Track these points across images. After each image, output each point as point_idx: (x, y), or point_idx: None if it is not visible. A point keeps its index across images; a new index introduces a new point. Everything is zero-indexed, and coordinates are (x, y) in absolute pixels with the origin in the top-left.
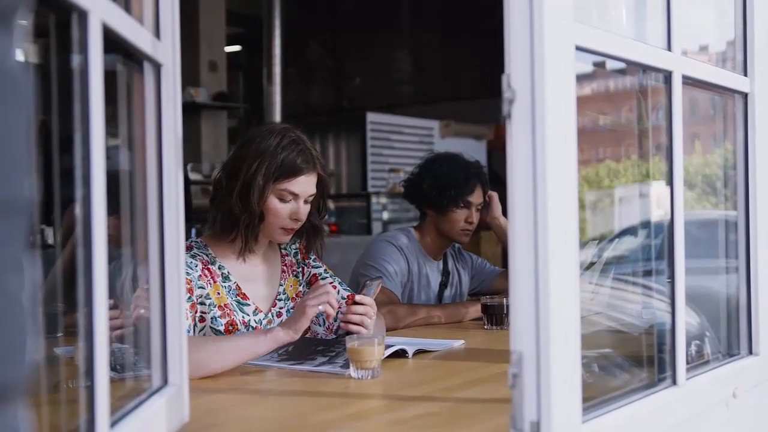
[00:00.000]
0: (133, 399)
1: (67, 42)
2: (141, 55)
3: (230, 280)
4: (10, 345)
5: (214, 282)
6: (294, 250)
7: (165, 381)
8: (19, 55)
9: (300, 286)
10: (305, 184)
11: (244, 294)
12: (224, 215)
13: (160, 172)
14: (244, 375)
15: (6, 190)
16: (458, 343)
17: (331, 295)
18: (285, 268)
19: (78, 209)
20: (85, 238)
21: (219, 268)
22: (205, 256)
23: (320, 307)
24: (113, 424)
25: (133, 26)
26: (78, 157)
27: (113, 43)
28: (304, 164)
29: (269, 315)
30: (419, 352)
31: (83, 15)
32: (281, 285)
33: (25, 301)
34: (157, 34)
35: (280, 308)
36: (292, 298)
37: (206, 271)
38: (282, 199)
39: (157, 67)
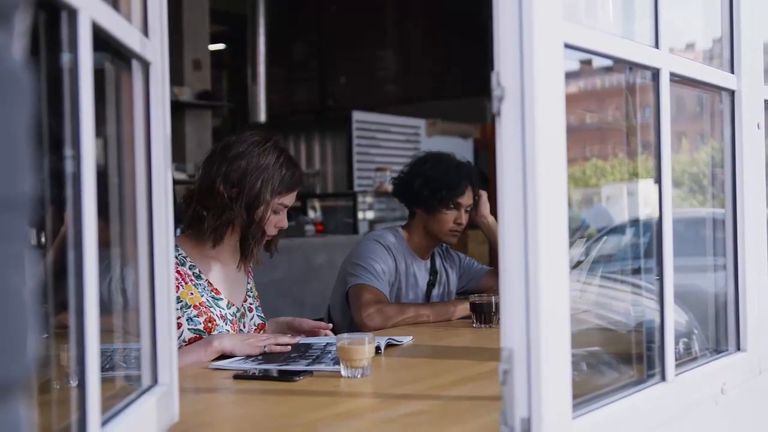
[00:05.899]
0: (123, 398)
1: (56, 40)
2: (129, 53)
3: (202, 279)
4: (13, 341)
5: (186, 283)
6: None
7: (155, 380)
8: (19, 53)
9: (255, 290)
10: (294, 197)
11: (217, 289)
12: (225, 225)
13: (149, 172)
14: (233, 376)
15: (8, 187)
16: (407, 339)
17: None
18: (249, 269)
19: (68, 209)
20: (75, 238)
21: (190, 268)
22: (173, 258)
23: (266, 349)
24: (104, 423)
25: (123, 24)
26: (67, 157)
27: (101, 41)
28: (300, 180)
29: (242, 309)
30: (389, 346)
31: (73, 13)
32: (249, 283)
33: (26, 297)
34: (145, 32)
35: (250, 304)
36: (256, 297)
37: (176, 274)
38: (275, 212)
39: (145, 65)
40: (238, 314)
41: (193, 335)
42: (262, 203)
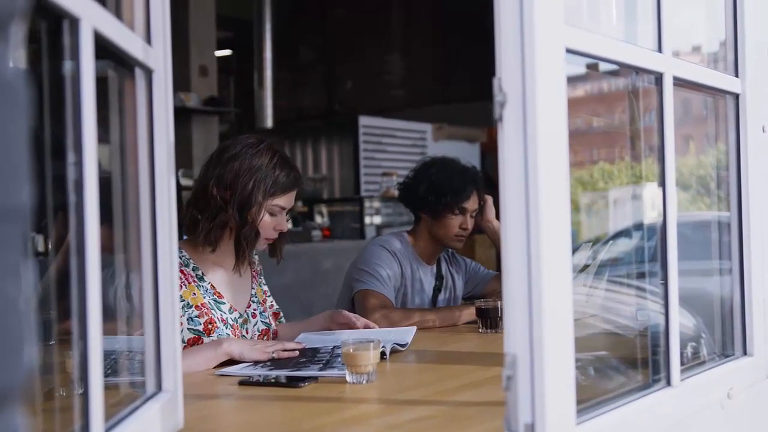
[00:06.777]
0: (127, 405)
1: (59, 48)
2: (132, 61)
3: (205, 281)
4: (9, 350)
5: (189, 283)
6: (257, 260)
7: (159, 387)
8: (15, 63)
9: (263, 293)
10: (292, 199)
11: (220, 293)
12: (219, 227)
13: (152, 179)
14: (238, 382)
15: (4, 197)
16: (412, 331)
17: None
18: (254, 273)
19: (71, 216)
20: (78, 246)
21: (193, 270)
22: (178, 260)
23: (274, 354)
24: (107, 430)
25: (125, 32)
26: (70, 164)
27: (104, 49)
28: (296, 181)
29: (245, 315)
30: (394, 352)
31: (75, 22)
32: (253, 289)
33: (22, 306)
34: (148, 39)
35: (254, 310)
36: (261, 301)
37: (179, 274)
38: (271, 214)
39: (148, 72)
40: (240, 320)
41: (193, 335)
42: (255, 204)
